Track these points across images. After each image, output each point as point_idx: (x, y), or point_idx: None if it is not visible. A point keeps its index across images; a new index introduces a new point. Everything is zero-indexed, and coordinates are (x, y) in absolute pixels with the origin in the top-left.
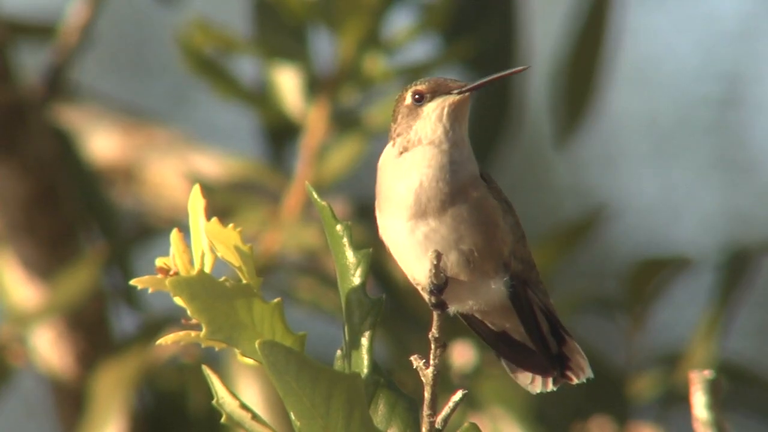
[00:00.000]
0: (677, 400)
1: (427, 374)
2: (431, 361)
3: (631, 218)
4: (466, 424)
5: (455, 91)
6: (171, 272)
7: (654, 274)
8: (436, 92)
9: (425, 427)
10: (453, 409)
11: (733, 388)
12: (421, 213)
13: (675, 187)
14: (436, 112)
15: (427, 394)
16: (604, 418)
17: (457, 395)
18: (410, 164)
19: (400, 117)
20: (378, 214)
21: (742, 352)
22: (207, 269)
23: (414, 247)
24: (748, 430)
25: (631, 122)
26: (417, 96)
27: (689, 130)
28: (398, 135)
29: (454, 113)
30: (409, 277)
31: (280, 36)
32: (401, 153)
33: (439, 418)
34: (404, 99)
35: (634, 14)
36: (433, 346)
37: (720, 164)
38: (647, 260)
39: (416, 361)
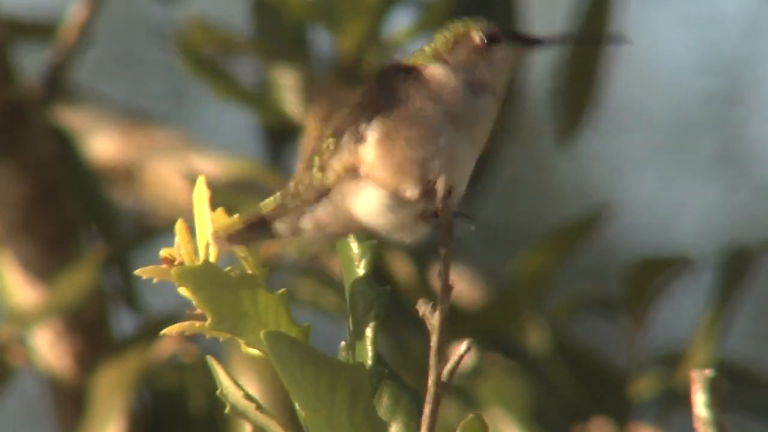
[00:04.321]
0: (677, 400)
1: (433, 323)
2: (438, 306)
3: (631, 218)
4: (470, 416)
5: (526, 42)
6: (176, 262)
7: (654, 274)
8: (509, 37)
9: (432, 377)
10: (458, 362)
11: (733, 388)
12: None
13: (675, 187)
14: (509, 61)
15: (433, 344)
16: (603, 419)
17: (463, 347)
18: (482, 110)
19: (462, 50)
20: (436, 119)
21: (742, 352)
22: (212, 259)
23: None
24: (748, 431)
25: (632, 121)
26: (491, 37)
27: (690, 129)
28: (460, 65)
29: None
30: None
31: (280, 36)
32: (474, 91)
33: (445, 371)
34: (470, 36)
35: (635, 12)
36: (440, 287)
37: (721, 164)
38: (648, 260)
39: (422, 307)
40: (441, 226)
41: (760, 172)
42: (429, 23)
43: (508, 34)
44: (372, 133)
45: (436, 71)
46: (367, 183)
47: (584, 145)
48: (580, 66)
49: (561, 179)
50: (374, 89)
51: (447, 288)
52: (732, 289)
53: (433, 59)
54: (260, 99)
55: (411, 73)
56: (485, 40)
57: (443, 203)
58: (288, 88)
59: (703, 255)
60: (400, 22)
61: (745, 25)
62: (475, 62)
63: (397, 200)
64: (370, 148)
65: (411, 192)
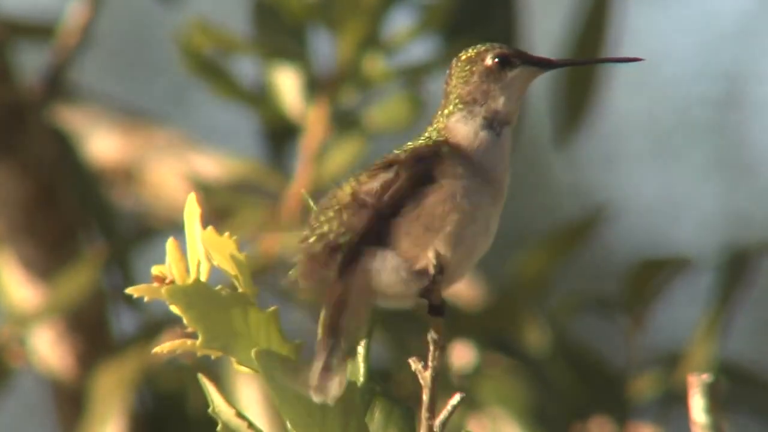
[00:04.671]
0: (677, 400)
1: (425, 377)
2: (429, 363)
3: (631, 218)
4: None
5: (538, 64)
6: (167, 280)
7: (654, 274)
8: (522, 59)
9: (423, 430)
10: (451, 412)
11: (733, 389)
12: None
13: (675, 187)
14: (522, 83)
15: (425, 397)
16: (603, 419)
17: (455, 398)
18: (506, 150)
19: (476, 78)
20: (471, 188)
21: (742, 352)
22: (203, 278)
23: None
24: (748, 431)
25: (631, 122)
26: (503, 59)
27: (689, 130)
28: (474, 102)
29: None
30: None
31: (280, 36)
32: (498, 132)
33: (438, 421)
34: (482, 60)
35: (634, 14)
36: (431, 348)
37: (720, 164)
38: (647, 260)
39: (415, 364)
40: (432, 298)
41: (760, 172)
42: (429, 23)
43: (520, 56)
44: (410, 207)
45: (460, 134)
46: (391, 253)
47: (585, 147)
48: (579, 68)
49: (561, 180)
50: (410, 167)
51: (439, 346)
52: (731, 290)
53: (454, 106)
54: (260, 99)
55: (441, 150)
56: (498, 64)
57: (434, 283)
58: (288, 88)
59: (703, 255)
60: (400, 23)
61: (745, 28)
62: (490, 89)
63: (412, 272)
64: (406, 219)
65: (424, 264)
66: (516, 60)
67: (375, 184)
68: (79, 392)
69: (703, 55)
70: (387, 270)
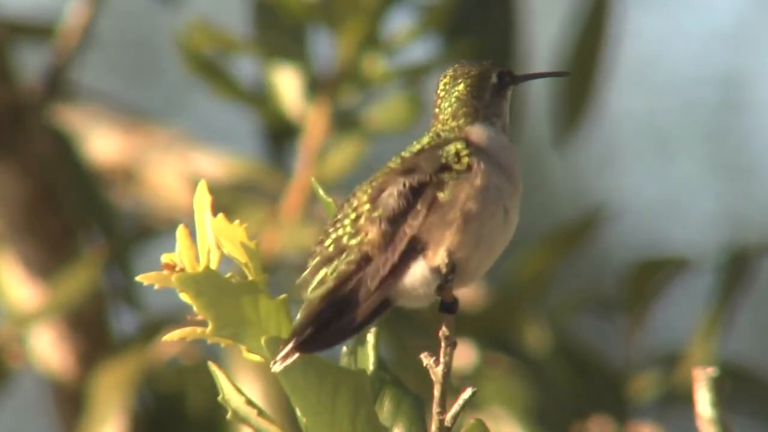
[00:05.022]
0: (677, 400)
1: (436, 372)
2: (441, 359)
3: (630, 219)
4: (472, 421)
5: (522, 79)
6: (177, 268)
7: (653, 274)
8: (511, 76)
9: (434, 425)
10: (462, 407)
11: (733, 389)
12: None
13: (675, 188)
14: (509, 98)
15: (436, 392)
16: (603, 418)
17: (467, 393)
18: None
19: (488, 95)
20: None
21: (742, 352)
22: (213, 265)
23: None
24: (748, 431)
25: (630, 123)
26: (508, 78)
27: (689, 132)
28: (494, 114)
29: None
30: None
31: (280, 36)
32: (510, 140)
33: (449, 416)
34: (489, 78)
35: (634, 15)
36: (443, 345)
37: (719, 165)
38: (646, 261)
39: (426, 359)
40: (444, 295)
41: (759, 173)
42: (429, 24)
43: (509, 73)
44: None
45: (479, 135)
46: (418, 261)
47: (584, 148)
48: (579, 69)
49: (560, 181)
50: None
51: (450, 343)
52: (731, 290)
53: (466, 117)
54: (260, 99)
55: (459, 147)
56: (501, 81)
57: (446, 282)
58: (288, 88)
59: (702, 255)
60: (400, 23)
61: (744, 31)
62: (498, 103)
63: (432, 272)
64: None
65: (438, 263)
66: (508, 77)
67: (420, 209)
68: (79, 392)
69: (702, 56)
70: (416, 278)
